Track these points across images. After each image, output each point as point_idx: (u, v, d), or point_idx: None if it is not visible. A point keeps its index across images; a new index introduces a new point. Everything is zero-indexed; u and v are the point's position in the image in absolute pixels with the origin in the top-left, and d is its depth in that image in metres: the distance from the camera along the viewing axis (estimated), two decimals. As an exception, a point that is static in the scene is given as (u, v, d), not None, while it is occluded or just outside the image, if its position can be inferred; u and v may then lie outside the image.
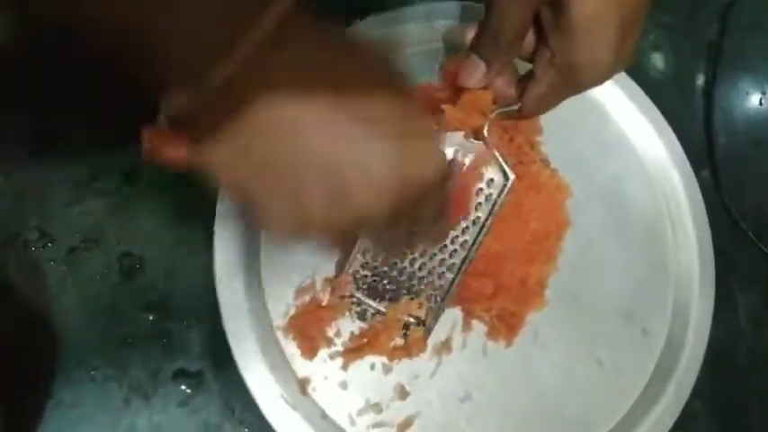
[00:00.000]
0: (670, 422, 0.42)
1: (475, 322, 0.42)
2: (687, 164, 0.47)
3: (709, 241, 0.46)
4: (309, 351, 0.40)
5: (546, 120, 0.45)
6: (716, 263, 0.48)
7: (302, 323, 0.39)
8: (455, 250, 0.39)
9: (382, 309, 0.40)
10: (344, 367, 0.40)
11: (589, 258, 0.45)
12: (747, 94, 0.55)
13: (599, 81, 0.34)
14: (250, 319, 0.39)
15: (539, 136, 0.45)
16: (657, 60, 0.54)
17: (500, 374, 0.42)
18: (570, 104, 0.46)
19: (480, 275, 0.41)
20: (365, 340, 0.40)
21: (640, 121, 0.47)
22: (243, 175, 0.26)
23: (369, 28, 0.44)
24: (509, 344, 0.42)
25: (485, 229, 0.38)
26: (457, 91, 0.38)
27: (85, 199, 0.42)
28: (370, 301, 0.40)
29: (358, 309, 0.40)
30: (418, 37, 0.46)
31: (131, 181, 0.43)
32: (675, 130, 0.48)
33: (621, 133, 0.47)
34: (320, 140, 0.25)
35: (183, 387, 0.41)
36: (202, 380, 0.41)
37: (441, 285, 0.40)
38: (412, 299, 0.40)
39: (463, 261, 0.39)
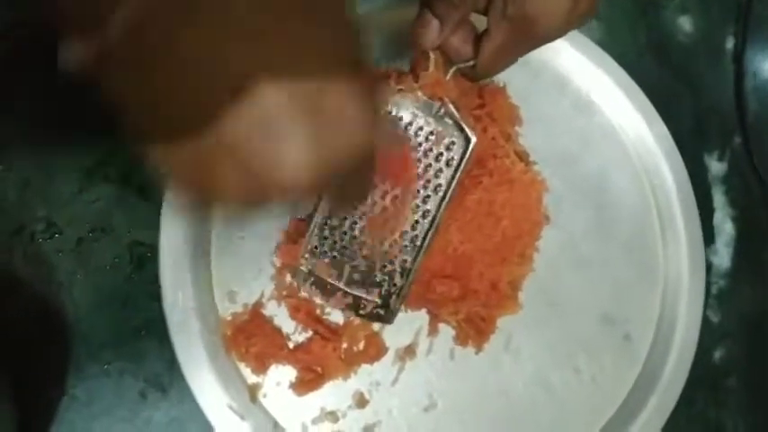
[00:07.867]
0: (651, 437, 0.39)
1: (442, 326, 0.39)
2: (679, 157, 0.43)
3: (700, 241, 0.42)
4: (259, 369, 0.37)
5: (526, 111, 0.42)
6: (748, 233, 0.46)
7: (247, 342, 0.37)
8: (416, 221, 0.36)
9: (341, 285, 0.37)
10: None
11: (569, 258, 0.41)
12: (779, 57, 0.53)
13: (554, 33, 0.31)
14: (198, 324, 0.36)
15: (517, 127, 0.41)
16: (685, 23, 0.51)
17: (468, 382, 0.39)
18: (552, 95, 0.44)
19: (447, 278, 0.38)
20: (319, 369, 0.37)
21: (629, 111, 0.43)
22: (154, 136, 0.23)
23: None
24: (479, 349, 0.39)
25: (447, 198, 0.35)
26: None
27: (93, 187, 0.40)
28: (329, 279, 0.37)
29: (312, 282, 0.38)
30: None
31: (140, 166, 0.41)
32: (705, 97, 0.46)
33: (608, 124, 0.44)
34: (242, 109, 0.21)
35: (202, 378, 0.39)
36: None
37: (404, 261, 0.36)
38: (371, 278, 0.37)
39: (426, 232, 0.36)
